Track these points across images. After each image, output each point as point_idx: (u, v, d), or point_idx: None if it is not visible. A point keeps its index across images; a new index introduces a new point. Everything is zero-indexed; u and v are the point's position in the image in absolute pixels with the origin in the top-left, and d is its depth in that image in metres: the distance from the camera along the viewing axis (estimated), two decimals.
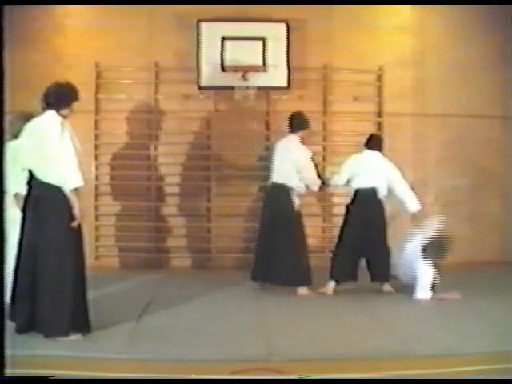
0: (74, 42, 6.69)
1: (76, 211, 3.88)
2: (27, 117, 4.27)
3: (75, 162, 3.88)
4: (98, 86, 6.72)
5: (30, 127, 4.00)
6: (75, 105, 4.09)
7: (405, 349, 3.83)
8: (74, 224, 3.90)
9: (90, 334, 4.00)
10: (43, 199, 3.88)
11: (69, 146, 3.87)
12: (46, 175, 3.87)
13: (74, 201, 3.88)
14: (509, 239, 7.04)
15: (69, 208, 3.88)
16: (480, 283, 5.95)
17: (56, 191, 3.86)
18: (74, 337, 3.89)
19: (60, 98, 4.00)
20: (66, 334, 3.87)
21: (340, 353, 3.76)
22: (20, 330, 3.87)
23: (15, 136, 4.10)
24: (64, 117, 3.97)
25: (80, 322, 3.96)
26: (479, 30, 6.95)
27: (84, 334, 3.96)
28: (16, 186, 4.09)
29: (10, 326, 3.71)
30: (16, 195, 4.23)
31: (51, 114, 3.94)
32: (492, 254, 6.93)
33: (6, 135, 3.23)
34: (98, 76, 6.73)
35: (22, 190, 4.02)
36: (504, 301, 5.06)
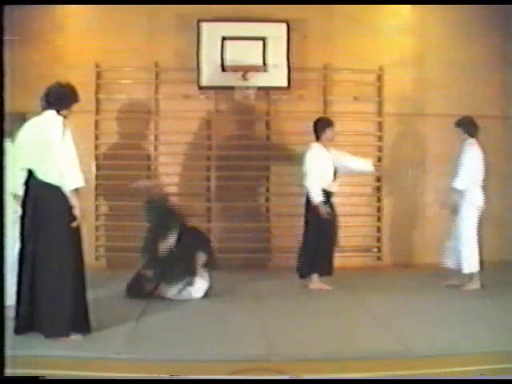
0: (74, 41, 6.68)
1: (76, 212, 3.89)
2: (19, 117, 4.27)
3: (76, 162, 3.89)
4: (97, 86, 6.71)
5: (30, 126, 3.99)
6: (75, 106, 4.09)
7: (405, 349, 3.83)
8: (74, 224, 3.90)
9: (89, 334, 4.00)
10: (42, 199, 3.88)
11: (70, 146, 3.87)
12: (46, 175, 3.86)
13: (74, 201, 3.88)
14: (509, 239, 7.04)
15: (68, 208, 3.88)
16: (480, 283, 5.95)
17: (55, 191, 3.86)
18: (75, 337, 3.89)
19: (61, 98, 3.99)
20: (67, 335, 3.87)
21: (340, 353, 3.76)
22: (19, 331, 3.88)
23: (8, 136, 4.04)
24: (64, 117, 3.97)
25: (80, 322, 3.96)
26: (479, 30, 6.94)
27: (84, 334, 3.96)
28: (13, 186, 4.03)
29: (10, 326, 3.72)
30: (13, 196, 4.20)
31: (52, 113, 3.94)
32: (492, 254, 6.91)
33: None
34: (98, 76, 6.72)
35: (19, 190, 4.01)
36: (504, 300, 5.07)
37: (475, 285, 5.56)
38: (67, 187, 3.86)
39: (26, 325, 3.90)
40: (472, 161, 5.58)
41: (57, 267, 3.86)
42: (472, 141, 5.66)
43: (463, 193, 5.59)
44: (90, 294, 4.13)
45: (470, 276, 5.58)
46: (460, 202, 5.63)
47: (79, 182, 3.89)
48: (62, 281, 3.87)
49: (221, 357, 3.67)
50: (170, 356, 3.69)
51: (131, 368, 3.49)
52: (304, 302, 5.23)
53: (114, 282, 5.85)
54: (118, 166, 6.76)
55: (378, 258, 6.95)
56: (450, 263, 5.74)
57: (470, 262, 5.54)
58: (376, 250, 6.98)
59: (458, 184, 5.59)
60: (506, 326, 4.32)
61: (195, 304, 5.08)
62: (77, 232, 3.97)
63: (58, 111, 3.94)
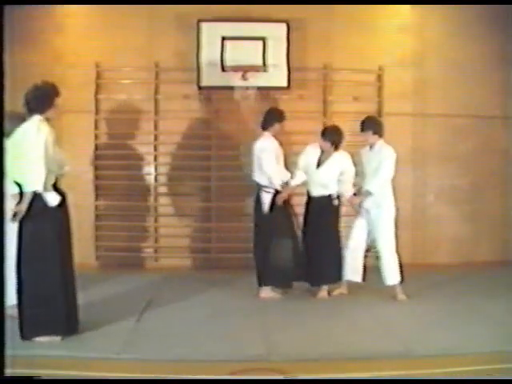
0: (74, 41, 6.69)
1: (20, 208, 3.87)
2: (14, 116, 4.26)
3: (40, 165, 3.84)
4: (98, 86, 6.71)
5: (13, 139, 3.96)
6: (58, 101, 4.07)
7: (405, 349, 3.83)
8: (14, 220, 3.88)
9: (89, 334, 4.00)
10: (33, 208, 3.89)
11: (38, 148, 3.84)
12: (16, 174, 3.87)
13: (24, 201, 3.87)
14: (509, 239, 7.04)
15: (51, 212, 3.90)
16: (480, 283, 5.95)
17: (37, 198, 3.87)
18: (50, 338, 3.88)
19: (41, 100, 3.99)
20: (37, 336, 3.87)
21: (340, 353, 3.77)
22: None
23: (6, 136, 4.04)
24: (49, 118, 3.97)
25: (68, 323, 3.97)
26: (479, 30, 6.95)
27: (68, 335, 3.95)
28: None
29: (10, 325, 3.72)
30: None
31: (34, 119, 3.94)
32: (492, 254, 6.93)
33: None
34: (98, 76, 6.72)
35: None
36: (504, 301, 5.07)
37: (402, 295, 5.24)
38: (26, 188, 3.87)
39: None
40: (391, 165, 5.21)
41: (43, 270, 3.89)
42: (382, 141, 5.32)
43: (375, 197, 5.25)
44: (90, 294, 4.14)
45: (394, 287, 5.28)
46: (369, 206, 5.31)
47: (36, 186, 3.86)
48: (47, 283, 3.88)
49: (221, 357, 3.68)
50: (170, 356, 3.70)
51: (131, 368, 3.49)
52: (304, 301, 5.23)
53: (114, 282, 5.87)
54: (118, 166, 6.76)
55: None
56: (350, 275, 5.42)
57: (392, 273, 5.25)
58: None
59: (372, 187, 5.20)
60: (506, 326, 4.33)
61: (194, 304, 5.08)
62: (63, 233, 4.00)
63: (41, 114, 3.95)
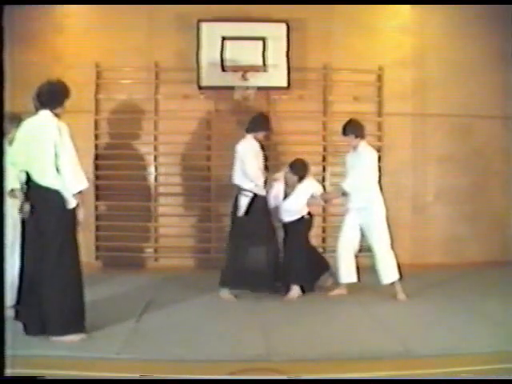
0: (74, 41, 6.69)
1: (80, 214, 3.92)
2: (13, 117, 4.27)
3: (77, 163, 3.89)
4: (97, 86, 6.72)
5: (26, 129, 3.97)
6: (68, 102, 4.10)
7: (405, 349, 3.83)
8: (79, 226, 3.92)
9: (89, 334, 4.00)
10: (40, 201, 3.88)
11: (69, 147, 3.87)
12: (41, 176, 3.85)
13: (79, 203, 3.91)
14: (509, 239, 7.04)
15: (65, 210, 3.89)
16: (480, 283, 5.95)
17: (51, 192, 3.86)
18: (72, 337, 3.89)
19: (53, 96, 4.00)
20: (66, 334, 3.87)
21: (340, 353, 3.77)
22: (31, 332, 3.91)
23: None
24: (58, 115, 3.98)
25: (77, 322, 3.97)
26: (479, 30, 6.94)
27: (79, 334, 3.96)
28: (13, 182, 4.01)
29: (9, 326, 3.72)
30: (12, 191, 4.15)
31: (46, 114, 3.93)
32: (492, 254, 6.93)
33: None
34: (98, 76, 6.73)
35: (12, 184, 4.00)
36: (504, 301, 5.07)
37: (402, 294, 5.22)
38: (71, 190, 3.86)
39: (35, 326, 3.92)
40: (368, 164, 5.29)
41: (55, 269, 3.87)
42: (365, 143, 5.37)
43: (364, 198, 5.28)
44: (90, 294, 4.13)
45: (393, 286, 5.27)
46: (358, 207, 5.32)
47: (83, 185, 3.89)
48: (60, 282, 3.87)
49: (221, 357, 3.68)
50: (170, 356, 3.70)
51: (131, 368, 3.49)
52: (304, 302, 5.23)
53: (114, 282, 5.87)
54: (118, 166, 6.76)
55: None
56: (345, 278, 5.42)
57: (389, 272, 5.23)
58: None
59: (347, 186, 5.29)
60: (506, 326, 4.32)
61: (194, 304, 5.08)
62: (73, 233, 3.98)
63: (51, 110, 3.95)
